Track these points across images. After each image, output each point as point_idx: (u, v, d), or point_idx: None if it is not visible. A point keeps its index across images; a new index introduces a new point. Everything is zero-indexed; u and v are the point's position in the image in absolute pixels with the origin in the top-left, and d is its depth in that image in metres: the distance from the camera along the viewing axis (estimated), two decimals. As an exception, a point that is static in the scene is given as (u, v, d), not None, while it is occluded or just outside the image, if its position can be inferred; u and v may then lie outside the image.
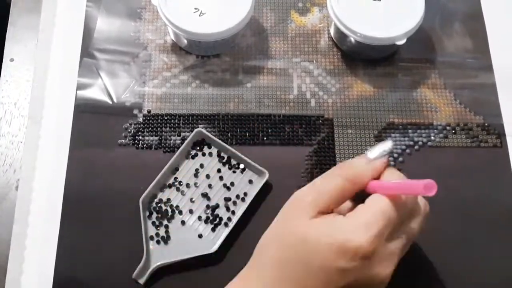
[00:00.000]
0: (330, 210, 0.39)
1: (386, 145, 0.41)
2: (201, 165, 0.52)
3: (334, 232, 0.37)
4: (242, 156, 0.51)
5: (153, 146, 0.54)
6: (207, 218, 0.51)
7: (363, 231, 0.36)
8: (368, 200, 0.38)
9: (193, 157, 0.53)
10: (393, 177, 0.41)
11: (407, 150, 0.54)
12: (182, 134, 0.54)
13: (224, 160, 0.53)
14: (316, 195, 0.39)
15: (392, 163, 0.54)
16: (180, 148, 0.52)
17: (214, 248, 0.49)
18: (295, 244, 0.38)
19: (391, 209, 0.37)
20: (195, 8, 0.54)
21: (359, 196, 0.40)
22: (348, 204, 0.41)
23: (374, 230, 0.36)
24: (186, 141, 0.52)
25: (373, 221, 0.36)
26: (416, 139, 0.55)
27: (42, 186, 0.52)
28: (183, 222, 0.51)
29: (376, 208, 0.37)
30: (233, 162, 0.53)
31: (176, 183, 0.52)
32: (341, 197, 0.39)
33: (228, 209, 0.51)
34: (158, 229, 0.50)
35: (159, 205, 0.51)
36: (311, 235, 0.37)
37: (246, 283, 0.40)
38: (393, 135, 0.55)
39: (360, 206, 0.38)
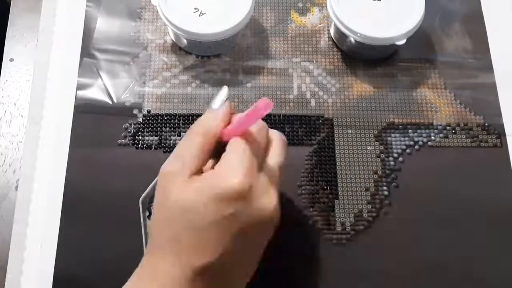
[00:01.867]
0: (200, 170, 0.40)
1: (223, 92, 0.44)
2: (201, 165, 0.52)
3: (209, 187, 0.37)
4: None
5: (153, 146, 0.54)
6: (207, 218, 0.50)
7: (233, 173, 0.37)
8: (227, 147, 0.39)
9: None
10: (237, 117, 0.42)
11: (407, 150, 0.54)
12: (182, 134, 0.54)
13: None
14: (182, 162, 0.39)
15: (392, 163, 0.54)
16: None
17: (214, 247, 0.49)
18: (181, 214, 0.38)
19: (248, 145, 0.39)
20: (195, 8, 0.54)
21: (220, 150, 0.41)
22: (212, 163, 0.42)
23: (243, 168, 0.37)
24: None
25: (238, 161, 0.38)
26: (416, 139, 0.55)
27: (42, 186, 0.52)
28: (183, 222, 0.50)
29: (236, 150, 0.39)
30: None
31: (176, 183, 0.52)
32: (203, 152, 0.40)
33: (228, 209, 0.51)
34: (158, 229, 0.50)
35: (159, 205, 0.51)
36: (190, 198, 0.38)
37: (147, 272, 0.40)
38: (393, 135, 0.55)
39: (224, 154, 0.39)
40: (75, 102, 0.55)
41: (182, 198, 0.38)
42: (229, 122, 0.42)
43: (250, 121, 0.39)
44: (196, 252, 0.37)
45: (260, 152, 0.40)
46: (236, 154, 0.38)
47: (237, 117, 0.42)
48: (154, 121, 0.55)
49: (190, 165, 0.39)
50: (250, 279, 0.41)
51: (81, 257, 0.50)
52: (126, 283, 0.40)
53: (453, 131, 0.55)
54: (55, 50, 0.58)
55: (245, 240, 0.38)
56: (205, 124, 0.41)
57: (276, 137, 0.42)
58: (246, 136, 0.39)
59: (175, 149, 0.41)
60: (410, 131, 0.55)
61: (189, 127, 0.53)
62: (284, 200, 0.52)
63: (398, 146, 0.55)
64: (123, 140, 0.54)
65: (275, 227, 0.41)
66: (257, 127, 0.40)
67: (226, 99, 0.43)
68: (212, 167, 0.40)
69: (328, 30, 0.60)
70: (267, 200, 0.38)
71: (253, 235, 0.39)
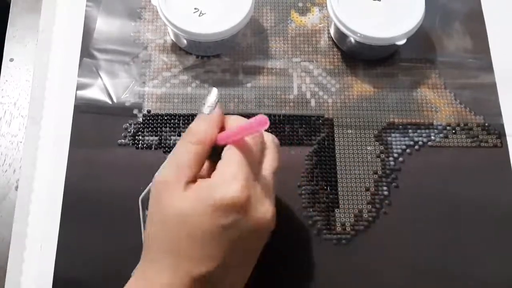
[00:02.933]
0: (195, 177, 0.40)
1: (212, 94, 0.42)
2: (201, 165, 0.52)
3: (206, 196, 0.37)
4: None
5: (153, 146, 0.54)
6: (207, 218, 0.50)
7: (231, 183, 0.37)
8: (224, 155, 0.39)
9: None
10: (236, 123, 0.42)
11: (407, 150, 0.54)
12: (182, 134, 0.54)
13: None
14: (177, 171, 0.39)
15: (392, 163, 0.54)
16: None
17: (214, 248, 0.49)
18: (177, 223, 0.38)
19: (244, 153, 0.38)
20: (195, 8, 0.54)
21: (215, 153, 0.41)
22: (206, 166, 0.42)
23: (240, 177, 0.37)
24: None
25: (236, 170, 0.37)
26: (416, 139, 0.55)
27: (42, 186, 0.52)
28: (182, 222, 0.50)
29: (233, 158, 0.38)
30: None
31: (175, 183, 0.52)
32: (198, 160, 0.40)
33: (228, 209, 0.51)
34: (158, 229, 0.50)
35: (158, 205, 0.51)
36: (187, 207, 0.37)
37: (142, 281, 0.40)
38: (393, 135, 0.55)
39: (219, 163, 0.39)
40: (75, 102, 0.55)
41: (178, 207, 0.38)
42: (222, 125, 0.42)
43: (243, 134, 0.39)
44: (192, 261, 0.37)
45: (255, 161, 0.40)
46: (232, 164, 0.38)
47: (233, 125, 0.42)
48: (154, 121, 0.55)
49: (186, 173, 0.39)
50: (245, 283, 0.41)
51: (81, 257, 0.50)
52: None
53: (453, 131, 0.55)
54: (55, 50, 0.58)
55: (242, 248, 0.38)
56: (198, 132, 0.41)
57: (270, 141, 0.42)
58: (241, 144, 0.39)
59: (168, 158, 0.41)
60: (410, 131, 0.55)
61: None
62: (284, 200, 0.52)
63: (398, 146, 0.55)
64: (123, 140, 0.54)
65: (270, 233, 0.41)
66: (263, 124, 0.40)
67: (217, 101, 0.42)
68: (208, 172, 0.40)
69: (328, 30, 0.59)
70: (264, 209, 0.38)
71: (250, 243, 0.39)
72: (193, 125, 0.41)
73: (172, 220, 0.38)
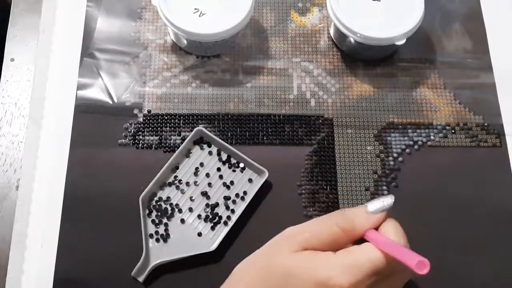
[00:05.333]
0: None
1: (387, 201, 0.40)
2: (201, 164, 0.53)
3: (318, 267, 0.36)
4: (242, 155, 0.51)
5: (153, 146, 0.54)
6: (207, 216, 0.51)
7: (347, 273, 0.35)
8: (363, 245, 0.38)
9: (193, 156, 0.53)
10: (391, 230, 0.39)
11: (407, 150, 0.55)
12: (182, 134, 0.54)
13: (224, 159, 0.53)
14: (308, 236, 0.38)
15: (391, 162, 0.54)
16: (180, 147, 0.52)
17: (214, 246, 0.49)
18: (275, 275, 0.37)
19: (381, 261, 0.36)
20: (195, 9, 0.54)
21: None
22: None
23: (358, 276, 0.35)
24: (186, 140, 0.52)
25: (360, 266, 0.36)
26: (416, 138, 0.55)
27: (42, 186, 0.52)
28: (182, 221, 0.51)
29: (367, 256, 0.36)
30: (233, 161, 0.53)
31: (176, 182, 0.52)
32: (333, 243, 0.39)
33: (227, 207, 0.51)
34: (158, 227, 0.50)
35: (158, 203, 0.51)
36: (295, 268, 0.37)
37: None
38: (392, 134, 0.55)
39: (353, 248, 0.38)
40: (75, 102, 0.55)
41: (288, 265, 0.37)
42: (378, 225, 0.40)
43: (395, 255, 0.36)
44: None
45: (383, 275, 0.37)
46: (364, 258, 0.36)
47: (391, 231, 0.39)
48: (155, 121, 0.55)
49: (313, 245, 0.38)
50: None
51: (81, 256, 0.50)
52: None
53: (453, 131, 0.55)
54: (55, 50, 0.58)
55: None
56: (354, 224, 0.39)
57: (406, 275, 0.39)
58: (384, 253, 0.36)
59: (313, 221, 0.40)
60: (409, 131, 0.55)
61: (189, 126, 0.54)
62: (284, 200, 0.52)
63: (398, 146, 0.55)
64: (123, 140, 0.54)
65: None
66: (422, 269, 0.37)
67: (388, 208, 0.40)
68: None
69: (328, 30, 0.60)
70: None
71: None
72: (351, 212, 0.40)
73: (271, 270, 0.38)
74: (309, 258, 0.37)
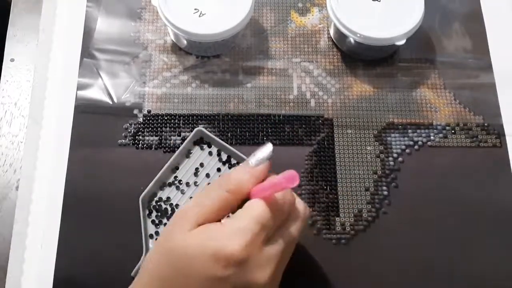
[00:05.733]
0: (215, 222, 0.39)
1: (266, 150, 0.40)
2: (201, 164, 0.53)
3: (208, 240, 0.37)
4: (242, 155, 0.51)
5: (153, 146, 0.54)
6: (207, 217, 0.51)
7: (236, 237, 0.36)
8: (245, 206, 0.38)
9: (193, 156, 0.53)
10: (270, 179, 0.40)
11: (407, 150, 0.55)
12: (182, 134, 0.54)
13: (224, 160, 0.53)
14: (198, 209, 0.39)
15: (391, 163, 0.54)
16: (181, 147, 0.52)
17: (214, 247, 0.49)
18: (173, 257, 0.38)
19: (265, 213, 0.37)
20: (195, 9, 0.54)
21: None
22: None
23: (248, 236, 0.36)
24: (186, 140, 0.52)
25: (247, 226, 0.36)
26: (415, 139, 0.55)
27: (42, 186, 0.52)
28: (183, 222, 0.51)
29: (251, 213, 0.37)
30: (233, 161, 0.53)
31: (176, 182, 0.52)
32: (224, 208, 0.39)
33: (228, 208, 0.51)
34: (158, 228, 0.50)
35: (159, 203, 0.51)
36: (188, 246, 0.37)
37: None
38: (392, 135, 0.55)
39: (237, 212, 0.38)
40: (75, 102, 0.55)
41: (182, 245, 0.37)
42: (263, 180, 0.40)
43: (272, 190, 0.37)
44: None
45: (273, 223, 0.38)
46: (247, 218, 0.37)
47: (266, 181, 0.40)
48: (154, 121, 0.55)
49: (204, 217, 0.38)
50: None
51: (81, 256, 0.50)
52: None
53: (453, 131, 0.55)
54: (55, 50, 0.58)
55: None
56: (237, 182, 0.39)
57: (299, 210, 0.40)
58: (268, 202, 0.37)
59: (200, 193, 0.40)
60: (409, 131, 0.55)
61: (189, 127, 0.54)
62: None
63: (398, 146, 0.55)
64: (123, 140, 0.54)
65: None
66: (283, 197, 0.38)
67: (268, 158, 0.40)
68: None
69: (328, 30, 0.60)
70: (261, 275, 0.37)
71: None
72: (233, 173, 0.40)
73: (168, 253, 0.38)
74: (200, 234, 0.37)
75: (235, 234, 0.36)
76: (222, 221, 0.38)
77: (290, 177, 0.36)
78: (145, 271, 0.40)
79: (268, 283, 0.37)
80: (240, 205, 0.39)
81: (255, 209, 0.37)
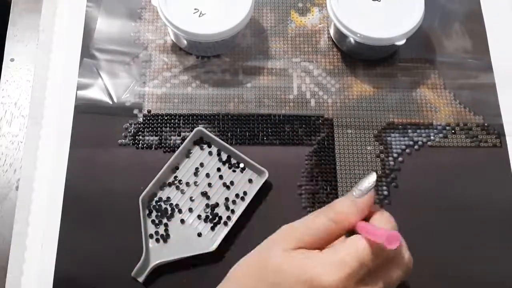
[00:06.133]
0: (317, 249, 0.38)
1: (370, 180, 0.40)
2: (201, 164, 0.53)
3: (306, 266, 0.36)
4: (242, 155, 0.51)
5: (153, 146, 0.54)
6: (207, 217, 0.51)
7: (334, 270, 0.35)
8: (348, 239, 0.37)
9: (193, 156, 0.53)
10: (381, 219, 0.39)
11: (407, 150, 0.55)
12: (182, 134, 0.54)
13: (224, 159, 0.53)
14: (303, 231, 0.38)
15: (392, 163, 0.54)
16: (180, 147, 0.52)
17: (213, 246, 0.49)
18: (266, 273, 0.37)
19: (367, 252, 0.36)
20: (195, 9, 0.54)
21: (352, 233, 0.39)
22: None
23: (346, 271, 0.35)
24: (186, 140, 0.52)
25: (347, 261, 0.35)
26: (416, 139, 0.55)
27: (42, 186, 0.52)
28: (182, 221, 0.51)
29: (353, 249, 0.36)
30: (233, 161, 0.53)
31: (176, 182, 0.52)
32: (327, 236, 0.39)
33: (227, 208, 0.51)
34: (158, 228, 0.50)
35: (158, 203, 0.51)
36: (284, 266, 0.37)
37: None
38: (392, 135, 0.55)
39: (338, 244, 0.37)
40: (75, 102, 0.55)
41: (278, 262, 0.37)
42: (368, 213, 0.40)
43: (372, 237, 0.36)
44: None
45: (372, 265, 0.36)
46: (350, 252, 0.36)
47: (381, 221, 0.39)
48: (154, 121, 0.55)
49: (305, 243, 0.38)
50: None
51: (81, 256, 0.50)
52: None
53: (453, 131, 0.55)
54: (55, 50, 0.58)
55: None
56: (340, 212, 0.39)
57: (404, 258, 0.39)
58: (372, 242, 0.36)
59: (306, 218, 0.40)
60: (409, 131, 0.55)
61: (189, 127, 0.54)
62: (284, 200, 0.52)
63: (398, 146, 0.55)
64: (123, 140, 0.54)
65: None
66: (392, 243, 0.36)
67: (372, 188, 0.39)
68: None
69: (328, 30, 0.60)
70: None
71: None
72: (338, 203, 0.40)
73: (262, 268, 0.38)
74: (299, 256, 0.37)
75: (333, 266, 0.35)
76: (323, 251, 0.38)
77: (391, 238, 0.34)
78: (230, 282, 0.40)
79: None
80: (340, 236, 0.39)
81: (358, 246, 0.36)
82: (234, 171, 0.52)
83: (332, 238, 0.39)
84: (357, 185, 0.40)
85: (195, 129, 0.53)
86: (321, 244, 0.38)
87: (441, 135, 0.55)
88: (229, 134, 0.55)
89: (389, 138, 0.55)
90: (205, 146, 0.53)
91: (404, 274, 0.39)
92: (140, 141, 0.54)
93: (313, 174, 0.53)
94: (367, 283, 0.37)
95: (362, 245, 0.36)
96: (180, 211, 0.51)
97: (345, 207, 0.39)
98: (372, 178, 0.40)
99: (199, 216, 0.51)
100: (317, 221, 0.39)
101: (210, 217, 0.51)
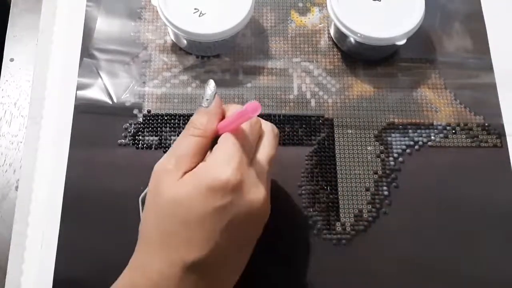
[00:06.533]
0: (194, 168, 0.40)
1: (209, 87, 0.43)
2: (201, 165, 0.53)
3: (199, 179, 0.38)
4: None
5: (153, 146, 0.54)
6: (207, 217, 0.50)
7: (225, 165, 0.38)
8: (219, 140, 0.40)
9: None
10: (232, 109, 0.43)
11: (407, 150, 0.54)
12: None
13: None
14: (176, 162, 0.40)
15: (392, 163, 0.54)
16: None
17: (214, 247, 0.49)
18: (171, 209, 0.38)
19: (239, 138, 0.39)
20: (195, 9, 0.54)
21: (214, 143, 0.41)
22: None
23: (235, 161, 0.38)
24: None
25: (230, 154, 0.38)
26: (416, 139, 0.55)
27: (42, 186, 0.52)
28: (183, 222, 0.50)
29: (228, 143, 0.39)
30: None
31: (175, 183, 0.52)
32: (199, 151, 0.40)
33: (228, 208, 0.51)
34: (158, 229, 0.50)
35: (159, 204, 0.51)
36: (182, 192, 0.38)
37: (136, 269, 0.40)
38: (393, 135, 0.55)
39: (214, 148, 0.40)
40: (75, 102, 0.55)
41: (173, 194, 0.38)
42: (223, 115, 0.43)
43: (239, 121, 0.39)
44: (186, 247, 0.37)
45: (250, 146, 0.40)
46: (226, 148, 0.39)
47: (230, 113, 0.43)
48: (154, 121, 0.55)
49: (185, 163, 0.39)
50: (238, 277, 0.41)
51: (81, 257, 0.50)
52: (116, 281, 0.40)
53: (453, 131, 0.55)
54: (55, 50, 0.58)
55: (235, 234, 0.39)
56: (199, 125, 0.41)
57: (268, 130, 0.43)
58: (238, 131, 0.40)
59: (170, 149, 0.42)
60: (410, 131, 0.55)
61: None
62: (284, 200, 0.52)
63: (398, 146, 0.55)
64: (123, 140, 0.54)
65: (264, 223, 0.41)
66: (249, 123, 0.41)
67: (215, 93, 0.43)
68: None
69: (328, 30, 0.60)
70: (257, 193, 0.39)
71: (243, 229, 0.39)
72: (193, 118, 0.42)
73: (166, 206, 0.38)
74: (189, 178, 0.39)
75: (222, 163, 0.38)
76: (205, 159, 0.40)
77: (253, 106, 0.37)
78: (144, 234, 0.40)
79: (266, 200, 0.40)
80: (212, 146, 0.41)
81: (228, 140, 0.39)
82: (234, 171, 0.52)
83: (204, 151, 0.41)
84: (203, 97, 0.43)
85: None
86: (199, 160, 0.40)
87: (441, 135, 0.55)
88: (229, 134, 0.55)
89: (389, 138, 0.55)
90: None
91: (275, 139, 0.43)
92: (140, 141, 0.54)
93: (313, 174, 0.53)
94: (255, 162, 0.40)
95: (233, 136, 0.40)
96: (180, 211, 0.51)
97: (201, 118, 0.42)
98: (211, 84, 0.43)
99: (199, 216, 0.51)
100: (185, 142, 0.41)
101: (210, 217, 0.50)
